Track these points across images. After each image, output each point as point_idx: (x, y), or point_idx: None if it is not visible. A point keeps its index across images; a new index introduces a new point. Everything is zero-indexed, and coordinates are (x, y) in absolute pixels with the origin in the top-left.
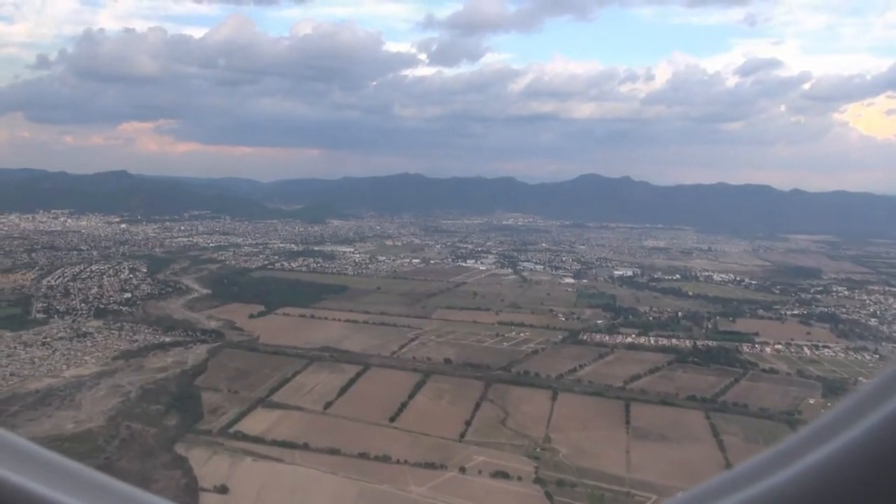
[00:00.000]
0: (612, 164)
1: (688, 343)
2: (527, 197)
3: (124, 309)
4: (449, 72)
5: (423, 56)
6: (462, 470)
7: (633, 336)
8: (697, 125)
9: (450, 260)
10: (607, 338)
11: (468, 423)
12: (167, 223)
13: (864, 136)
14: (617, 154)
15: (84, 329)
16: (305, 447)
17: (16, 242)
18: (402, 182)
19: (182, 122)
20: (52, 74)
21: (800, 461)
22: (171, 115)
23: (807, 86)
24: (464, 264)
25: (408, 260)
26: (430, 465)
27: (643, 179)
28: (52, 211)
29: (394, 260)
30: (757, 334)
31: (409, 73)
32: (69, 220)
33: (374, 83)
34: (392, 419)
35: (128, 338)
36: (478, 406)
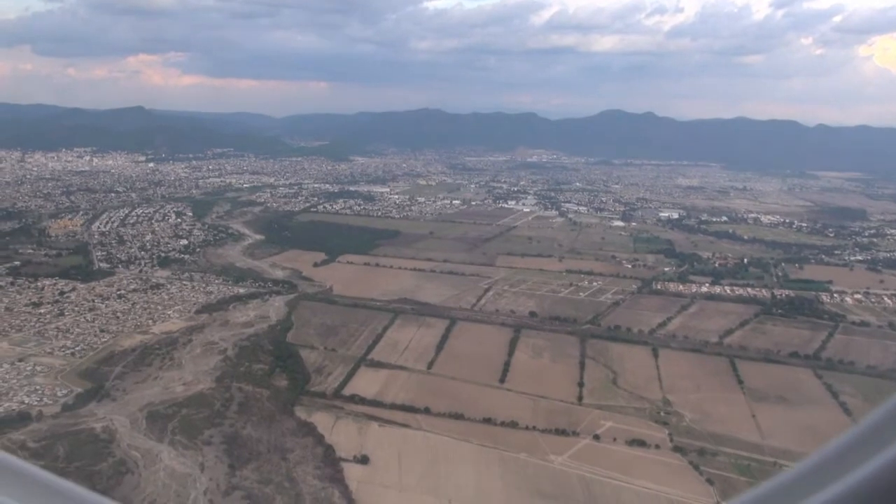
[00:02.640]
0: (630, 99)
1: (765, 293)
2: (549, 133)
3: (186, 257)
4: (470, 4)
5: None
6: (596, 437)
7: (707, 285)
8: (717, 58)
9: (490, 201)
10: (682, 287)
11: (581, 385)
12: (193, 162)
13: (883, 70)
14: (635, 88)
15: (154, 280)
16: (427, 412)
17: (50, 184)
18: (422, 117)
19: (190, 55)
20: (64, 7)
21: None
22: (181, 48)
23: (838, 18)
24: (506, 206)
25: (448, 201)
26: (561, 432)
27: (664, 115)
28: (75, 149)
29: (434, 201)
30: (831, 282)
31: (431, 4)
32: (95, 160)
33: (394, 16)
34: (501, 380)
35: (201, 289)
36: (582, 365)
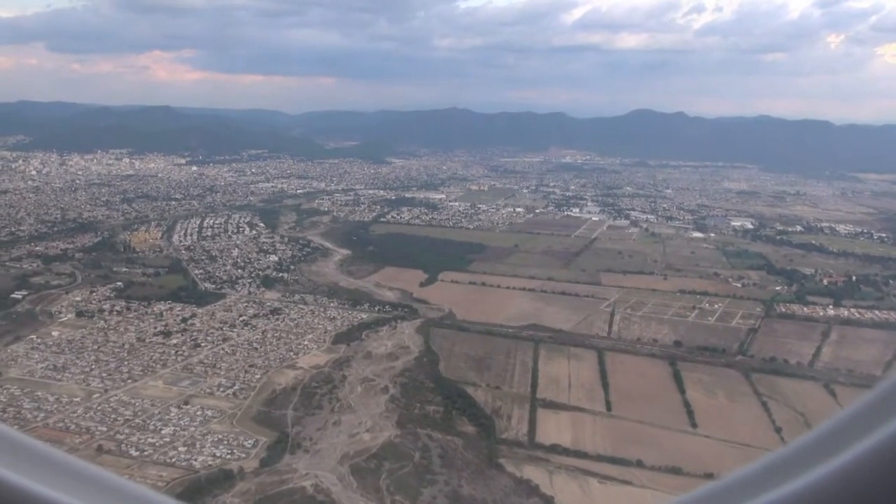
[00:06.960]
0: (649, 96)
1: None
2: (579, 132)
3: (284, 276)
4: (500, 2)
5: None
6: None
7: (832, 308)
8: (737, 55)
9: (552, 208)
10: (807, 310)
11: (778, 430)
12: (233, 164)
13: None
14: (653, 85)
15: (267, 303)
16: (640, 465)
17: (104, 190)
18: (450, 117)
19: (204, 51)
20: (86, 5)
21: (810, 471)
22: (197, 45)
23: (874, 18)
24: (571, 214)
25: (510, 209)
26: None
27: (685, 112)
28: (111, 151)
29: (496, 209)
30: None
31: (462, 3)
32: (135, 162)
33: (424, 14)
34: (693, 424)
35: (321, 314)
36: (765, 405)
